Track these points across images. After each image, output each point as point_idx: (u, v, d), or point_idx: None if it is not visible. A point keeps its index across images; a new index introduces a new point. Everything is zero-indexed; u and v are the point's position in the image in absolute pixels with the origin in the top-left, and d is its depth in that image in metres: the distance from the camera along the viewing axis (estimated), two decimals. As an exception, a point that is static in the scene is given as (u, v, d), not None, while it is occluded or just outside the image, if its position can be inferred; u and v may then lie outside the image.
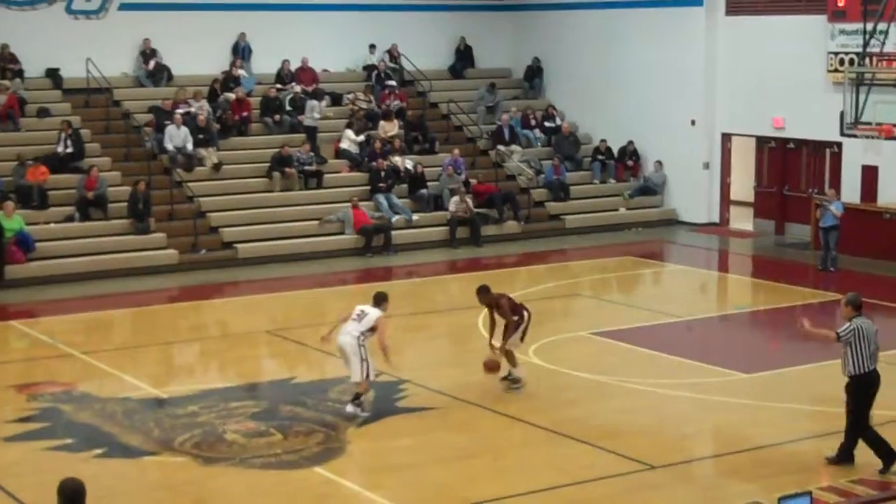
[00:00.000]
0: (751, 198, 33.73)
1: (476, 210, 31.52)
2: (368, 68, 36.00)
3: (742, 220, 33.68)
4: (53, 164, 29.03)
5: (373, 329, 16.73)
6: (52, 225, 28.09)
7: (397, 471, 14.71)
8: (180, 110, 31.42)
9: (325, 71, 35.38)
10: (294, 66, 34.38)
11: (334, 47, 35.87)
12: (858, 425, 14.14)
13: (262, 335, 22.16)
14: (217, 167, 30.83)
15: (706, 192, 33.85)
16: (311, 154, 31.71)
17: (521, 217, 32.49)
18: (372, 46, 36.19)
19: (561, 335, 21.50)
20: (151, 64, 33.17)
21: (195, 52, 33.68)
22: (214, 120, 32.06)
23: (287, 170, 31.04)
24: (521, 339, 17.99)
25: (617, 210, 34.03)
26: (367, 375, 16.55)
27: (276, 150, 31.36)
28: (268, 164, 31.19)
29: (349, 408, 16.64)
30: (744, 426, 16.32)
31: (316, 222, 30.23)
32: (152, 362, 20.62)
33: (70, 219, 28.36)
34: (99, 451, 15.55)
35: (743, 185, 34.08)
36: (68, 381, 18.93)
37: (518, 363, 18.00)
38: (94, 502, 12.88)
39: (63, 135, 29.64)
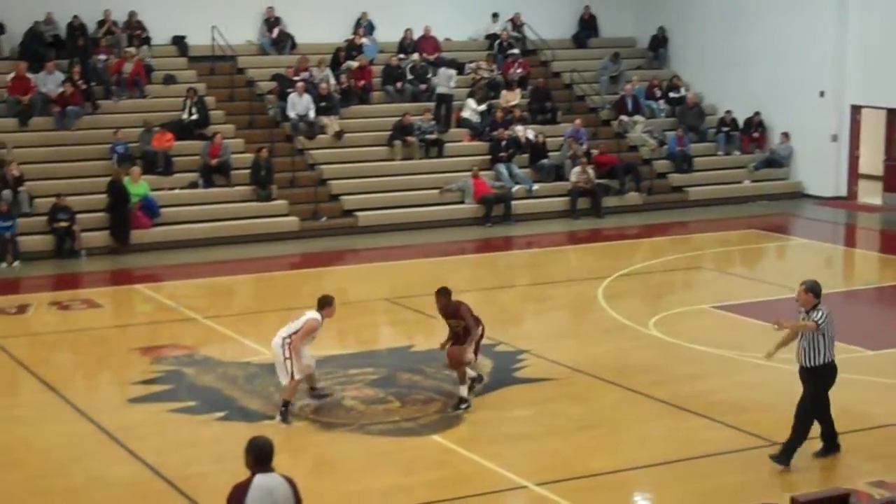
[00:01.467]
0: (880, 171, 32.90)
1: (597, 181, 31.21)
2: (491, 37, 35.82)
3: (870, 194, 32.88)
4: (178, 131, 29.39)
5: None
6: (177, 191, 28.46)
7: (515, 441, 14.63)
8: (303, 78, 31.57)
9: (447, 40, 35.29)
10: (416, 34, 34.34)
11: (457, 16, 35.76)
12: (816, 411, 13.50)
13: (381, 303, 22.22)
14: (338, 135, 30.96)
15: (834, 165, 33.10)
16: (433, 122, 31.67)
17: (643, 188, 32.11)
18: (495, 15, 36.01)
19: (682, 308, 21.22)
20: (275, 32, 33.39)
21: (318, 20, 33.85)
22: (337, 88, 32.17)
23: (408, 138, 31.05)
24: (475, 352, 15.97)
25: (741, 182, 33.44)
26: (293, 375, 15.21)
27: (398, 118, 31.38)
28: (389, 133, 31.22)
29: (278, 417, 15.32)
30: (868, 404, 15.92)
31: (436, 191, 30.19)
32: (273, 328, 20.70)
33: (194, 185, 28.70)
34: (220, 413, 15.73)
35: (872, 158, 33.27)
36: (191, 345, 19.16)
37: (466, 383, 15.79)
38: (213, 463, 13.10)
39: (188, 102, 29.99)
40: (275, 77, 32.14)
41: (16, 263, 25.26)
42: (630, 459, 13.95)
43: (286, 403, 15.22)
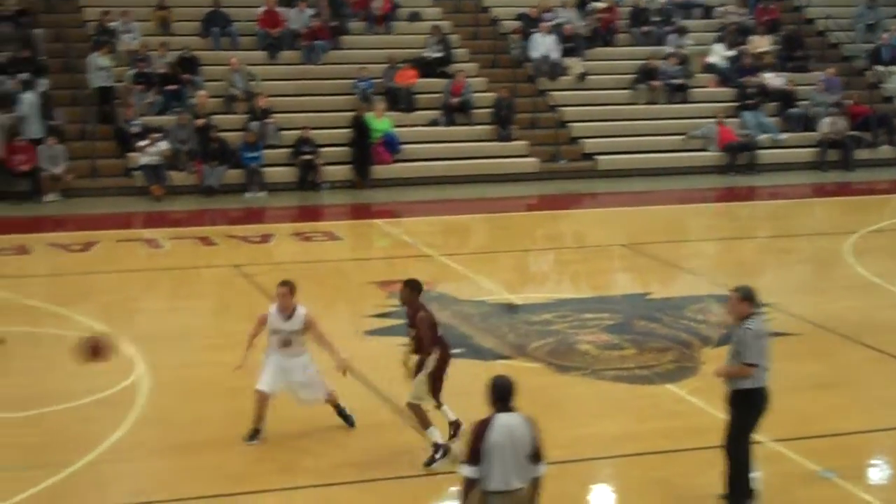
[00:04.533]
0: None
1: (849, 132, 29.98)
2: (743, -21, 34.77)
3: None
4: (422, 68, 29.50)
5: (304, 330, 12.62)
6: (418, 128, 28.60)
7: (752, 395, 14.15)
8: (548, 18, 31.24)
9: (696, -18, 34.39)
10: (666, -24, 33.60)
11: (708, -42, 34.80)
12: (740, 446, 10.96)
13: (618, 249, 21.87)
14: (581, 77, 30.56)
15: None
16: (679, 67, 30.93)
17: (897, 142, 30.78)
18: (749, -42, 34.91)
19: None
20: (522, -29, 33.12)
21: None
22: (582, 29, 31.73)
23: (652, 82, 30.43)
24: (433, 389, 12.06)
25: None
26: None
27: (643, 61, 30.77)
28: (633, 76, 30.65)
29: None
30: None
31: (680, 137, 29.54)
32: (508, 268, 20.72)
33: (435, 123, 28.80)
34: (456, 350, 15.62)
35: None
36: (426, 281, 19.11)
37: (431, 424, 12.07)
38: (445, 399, 13.05)
39: (433, 39, 30.05)
40: (519, 17, 31.91)
41: (261, 194, 25.85)
42: (876, 421, 13.33)
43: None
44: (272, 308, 12.52)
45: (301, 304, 12.51)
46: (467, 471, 8.72)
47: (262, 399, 12.39)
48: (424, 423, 12.08)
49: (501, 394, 8.79)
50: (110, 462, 12.05)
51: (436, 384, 12.06)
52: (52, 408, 13.34)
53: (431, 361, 12.00)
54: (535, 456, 8.80)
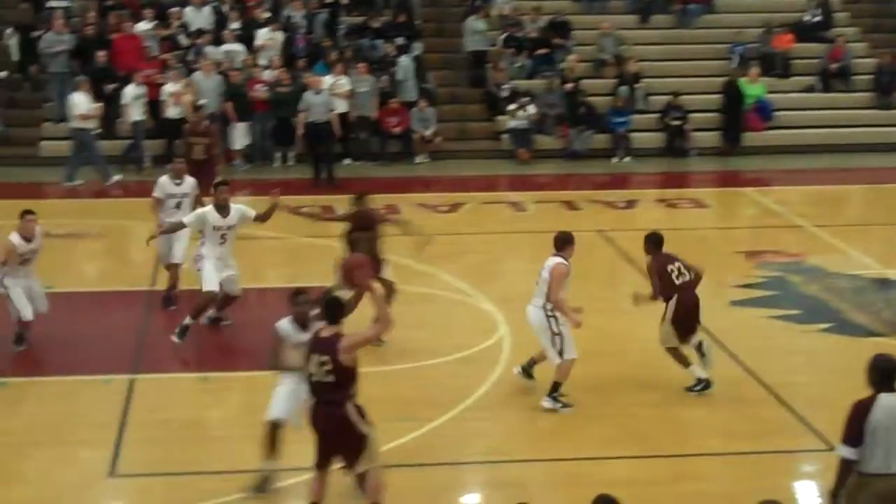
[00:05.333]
0: None
1: None
2: None
3: None
4: (800, 32, 28.42)
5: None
6: (793, 94, 27.59)
7: None
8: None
9: None
10: None
11: None
12: None
13: None
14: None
15: None
16: None
17: None
18: None
19: None
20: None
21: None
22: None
23: None
24: (679, 334, 12.48)
25: None
26: (562, 353, 12.25)
27: None
28: None
29: (545, 402, 12.39)
30: None
31: None
32: (883, 241, 19.71)
33: (810, 89, 27.72)
34: (824, 325, 15.06)
35: None
36: (796, 252, 18.51)
37: (690, 364, 12.76)
38: (813, 374, 12.51)
39: (812, 3, 28.93)
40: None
41: (626, 159, 25.63)
42: None
43: (556, 386, 12.34)
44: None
45: None
46: (846, 451, 8.32)
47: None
48: (683, 363, 12.74)
49: (884, 373, 8.31)
50: (472, 420, 12.18)
51: (679, 329, 12.60)
52: (422, 363, 13.64)
53: (669, 309, 12.53)
54: None
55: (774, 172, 25.05)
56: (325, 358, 9.21)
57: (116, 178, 23.37)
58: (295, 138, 24.25)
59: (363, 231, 14.19)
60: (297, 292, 10.31)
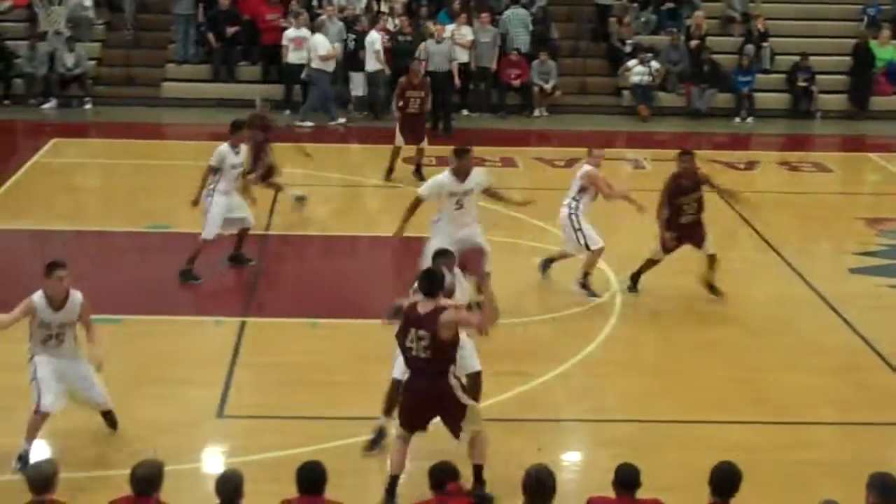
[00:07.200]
0: None
1: None
2: None
3: None
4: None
5: (583, 189, 14.25)
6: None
7: None
8: None
9: None
10: None
11: None
12: None
13: None
14: None
15: None
16: None
17: None
18: None
19: None
20: None
21: None
22: None
23: None
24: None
25: None
26: (587, 247, 14.09)
27: None
28: None
29: (573, 286, 14.34)
30: None
31: None
32: None
33: (944, 53, 26.96)
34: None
35: None
36: (919, 221, 18.08)
37: None
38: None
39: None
40: None
41: (749, 119, 25.16)
42: None
43: (585, 275, 14.25)
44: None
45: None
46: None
47: None
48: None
49: None
50: (579, 376, 12.11)
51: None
52: (535, 317, 13.57)
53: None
54: None
55: (904, 138, 24.49)
56: (423, 333, 9.00)
57: (342, 120, 23.72)
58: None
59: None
60: (442, 252, 10.23)
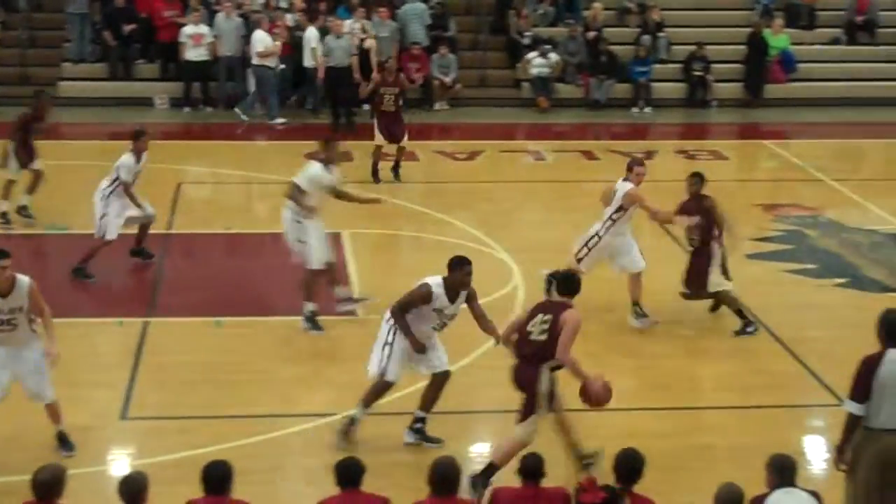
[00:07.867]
0: None
1: None
2: None
3: None
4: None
5: (621, 209, 13.29)
6: (817, 47, 27.33)
7: None
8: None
9: None
10: None
11: None
12: None
13: None
14: None
15: None
16: None
17: None
18: None
19: None
20: None
21: None
22: None
23: None
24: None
25: None
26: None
27: None
28: None
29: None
30: None
31: None
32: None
33: (835, 41, 27.44)
34: (840, 280, 15.04)
35: None
36: (814, 206, 18.41)
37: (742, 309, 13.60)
38: (827, 329, 12.45)
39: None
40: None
41: (647, 109, 25.44)
42: None
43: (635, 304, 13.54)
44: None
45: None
46: (852, 407, 8.38)
47: None
48: (734, 305, 13.22)
49: (893, 329, 8.31)
50: (483, 368, 12.15)
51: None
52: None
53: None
54: None
55: (796, 125, 24.87)
56: (549, 317, 9.66)
57: (281, 120, 23.41)
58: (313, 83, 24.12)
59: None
60: (466, 261, 10.53)
